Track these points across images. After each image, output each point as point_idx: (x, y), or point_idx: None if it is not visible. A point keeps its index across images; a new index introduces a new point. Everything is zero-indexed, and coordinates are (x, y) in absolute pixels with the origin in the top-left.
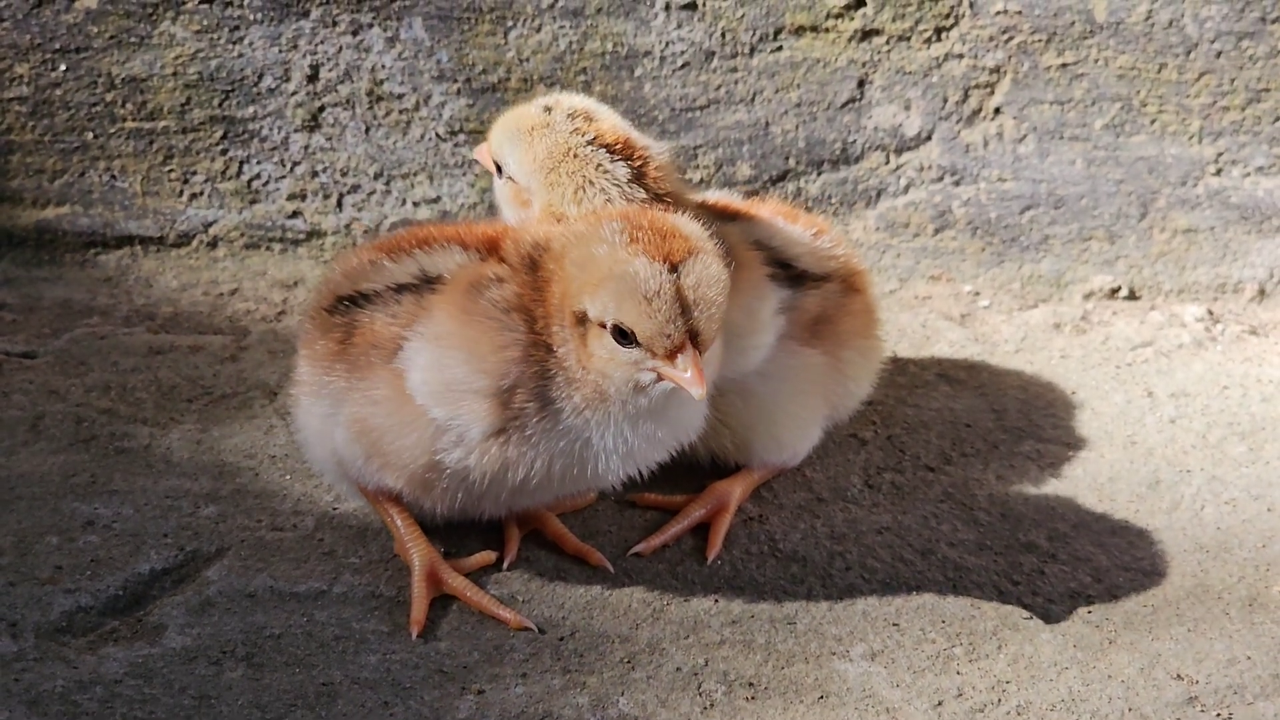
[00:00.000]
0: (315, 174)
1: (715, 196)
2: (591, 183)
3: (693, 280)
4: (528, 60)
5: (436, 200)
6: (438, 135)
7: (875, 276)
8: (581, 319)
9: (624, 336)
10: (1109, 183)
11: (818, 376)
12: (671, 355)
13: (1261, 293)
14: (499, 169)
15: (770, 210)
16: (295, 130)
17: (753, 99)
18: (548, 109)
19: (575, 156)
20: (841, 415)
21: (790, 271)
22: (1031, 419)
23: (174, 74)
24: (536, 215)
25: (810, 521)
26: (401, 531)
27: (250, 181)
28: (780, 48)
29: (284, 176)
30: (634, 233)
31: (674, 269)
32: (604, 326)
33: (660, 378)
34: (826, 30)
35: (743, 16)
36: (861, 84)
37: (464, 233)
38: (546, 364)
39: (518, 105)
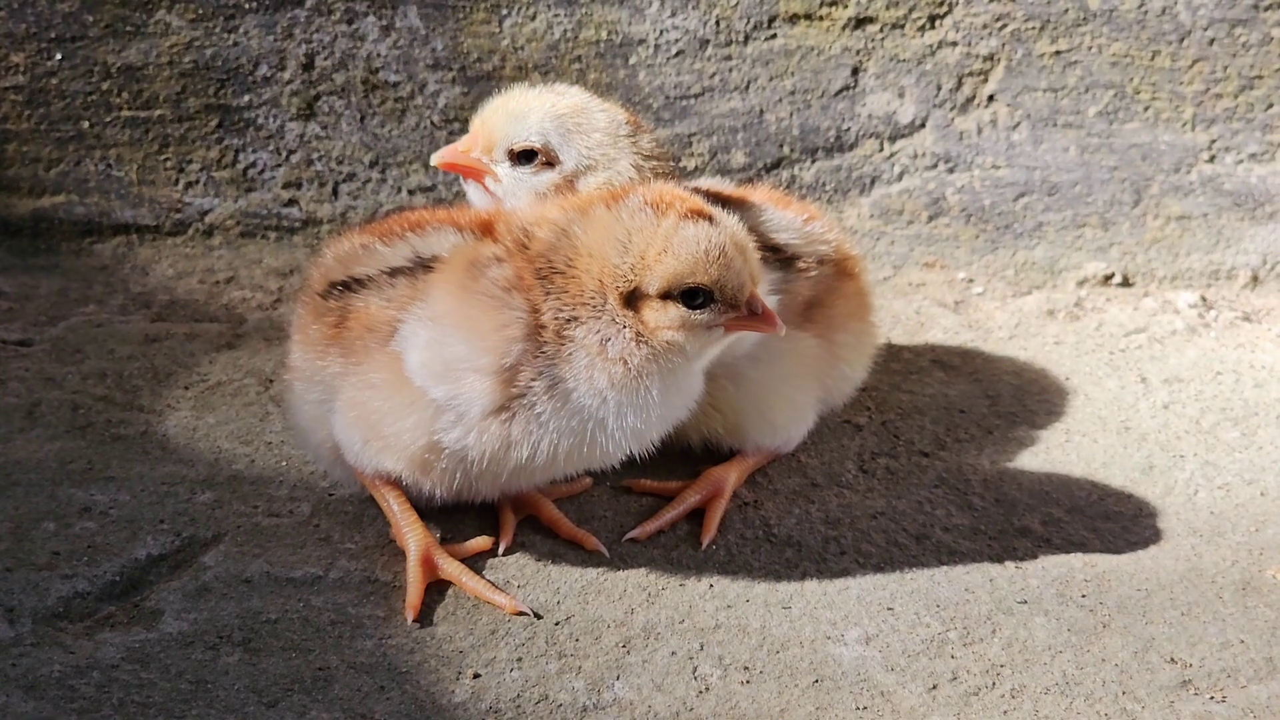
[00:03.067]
0: (310, 162)
1: (707, 182)
2: (649, 157)
3: (732, 230)
4: (522, 48)
5: (431, 189)
6: (432, 123)
7: (870, 264)
8: (630, 298)
9: (695, 298)
10: (1103, 170)
11: (810, 359)
12: (745, 305)
13: (1254, 279)
14: (524, 159)
15: (761, 196)
16: (291, 119)
17: (747, 87)
18: (557, 93)
19: (624, 134)
20: (837, 400)
21: (780, 255)
22: (1025, 405)
23: (169, 63)
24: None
25: (805, 506)
26: (397, 517)
27: (246, 170)
28: (774, 35)
29: (279, 165)
30: (658, 205)
31: (713, 225)
32: (665, 298)
33: (727, 331)
34: (820, 18)
35: (737, 4)
36: (855, 72)
37: (457, 215)
38: (561, 346)
39: (516, 100)
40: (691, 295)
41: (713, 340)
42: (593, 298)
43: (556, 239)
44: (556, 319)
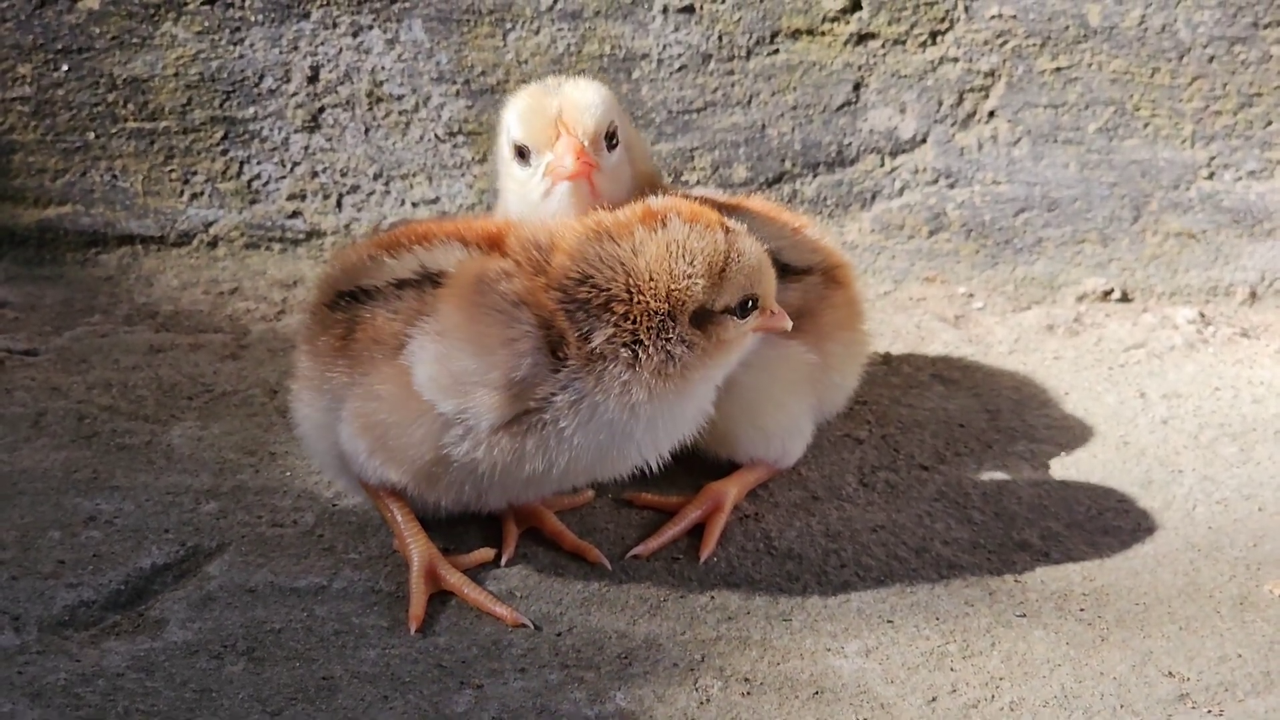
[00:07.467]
0: (315, 174)
1: (700, 191)
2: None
3: (757, 239)
4: (526, 62)
5: (435, 201)
6: (437, 136)
7: (870, 278)
8: (700, 317)
9: (746, 307)
10: (1102, 186)
11: (801, 368)
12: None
13: (1253, 295)
14: (611, 141)
15: (753, 205)
16: (295, 131)
17: (749, 101)
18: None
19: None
20: (829, 411)
21: (774, 264)
22: (1025, 419)
23: (175, 75)
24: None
25: (805, 519)
26: (401, 527)
27: (250, 181)
28: (777, 51)
29: (284, 177)
30: (701, 222)
31: (749, 237)
32: (725, 312)
33: (753, 333)
34: (822, 34)
35: (740, 20)
36: (857, 87)
37: (463, 229)
38: (592, 363)
39: (579, 88)
40: (744, 305)
41: (747, 344)
42: (660, 320)
43: (594, 264)
44: (611, 343)
